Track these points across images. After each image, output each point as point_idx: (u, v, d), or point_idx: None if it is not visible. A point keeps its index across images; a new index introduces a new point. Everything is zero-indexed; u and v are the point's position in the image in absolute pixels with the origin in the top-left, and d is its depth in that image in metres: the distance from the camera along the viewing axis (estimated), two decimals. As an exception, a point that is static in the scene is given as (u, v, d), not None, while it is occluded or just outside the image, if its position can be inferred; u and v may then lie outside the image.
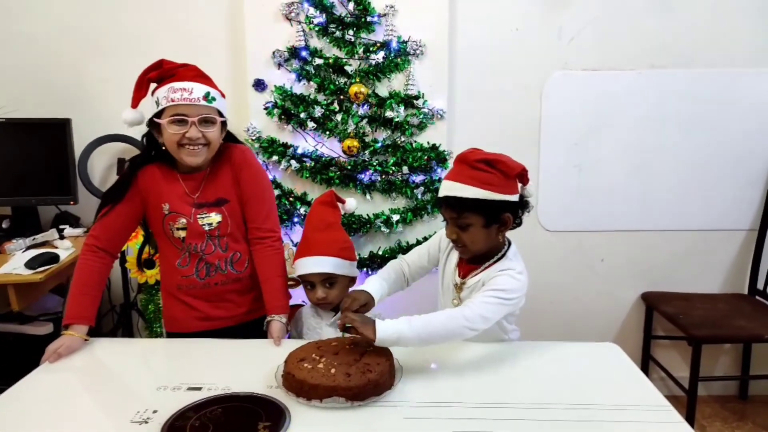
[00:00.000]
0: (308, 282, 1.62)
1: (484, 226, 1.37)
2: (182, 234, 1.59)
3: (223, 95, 1.58)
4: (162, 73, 1.52)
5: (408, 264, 1.63)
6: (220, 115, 1.56)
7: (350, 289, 1.49)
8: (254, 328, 1.63)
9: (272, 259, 1.64)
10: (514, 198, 1.37)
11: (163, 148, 1.56)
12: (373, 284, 1.49)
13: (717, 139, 2.52)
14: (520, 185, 1.39)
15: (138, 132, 2.40)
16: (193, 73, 1.53)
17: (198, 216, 1.59)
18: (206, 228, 1.60)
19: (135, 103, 1.56)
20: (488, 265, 1.44)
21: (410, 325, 1.26)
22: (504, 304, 1.35)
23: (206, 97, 1.51)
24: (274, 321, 1.57)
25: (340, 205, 1.73)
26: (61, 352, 1.42)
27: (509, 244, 1.49)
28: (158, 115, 1.51)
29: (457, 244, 1.44)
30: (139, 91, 1.54)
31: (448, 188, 1.37)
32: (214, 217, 1.60)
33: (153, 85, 1.54)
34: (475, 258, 1.46)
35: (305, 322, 1.67)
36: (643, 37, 2.44)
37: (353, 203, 1.75)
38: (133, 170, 1.59)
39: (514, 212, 1.40)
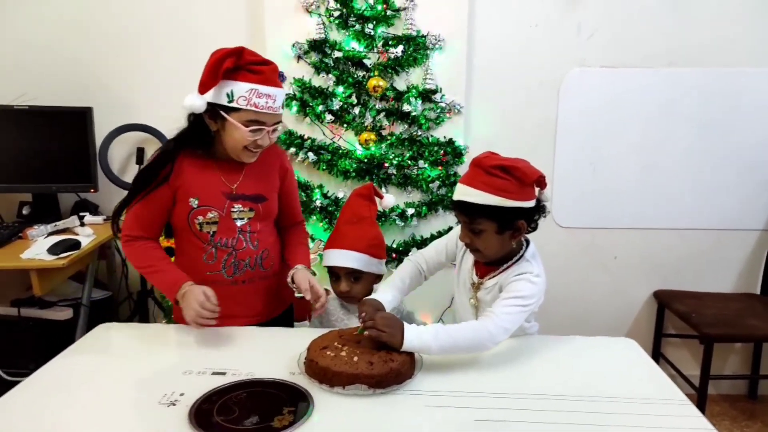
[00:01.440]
0: (334, 274, 1.64)
1: (497, 232, 1.37)
2: (212, 228, 1.53)
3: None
4: (240, 63, 1.38)
5: (426, 260, 1.63)
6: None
7: (366, 297, 1.50)
8: (275, 325, 1.63)
9: (300, 233, 1.72)
10: (530, 204, 1.36)
11: (212, 135, 1.48)
12: (385, 295, 1.51)
13: (732, 139, 2.53)
14: (537, 189, 1.38)
15: (154, 119, 2.47)
16: (275, 76, 1.42)
17: (231, 209, 1.53)
18: (238, 223, 1.55)
19: (204, 90, 1.40)
20: (506, 267, 1.44)
21: (437, 338, 1.28)
22: (524, 310, 1.37)
23: (282, 104, 1.47)
24: (299, 271, 1.55)
25: (377, 200, 1.73)
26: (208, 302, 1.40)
27: (528, 243, 1.48)
28: (226, 107, 1.41)
29: (471, 248, 1.45)
30: (213, 80, 1.37)
31: (462, 192, 1.36)
32: (248, 213, 1.56)
33: (226, 67, 1.38)
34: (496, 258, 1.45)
35: (333, 314, 1.69)
36: (661, 35, 2.44)
37: (391, 200, 1.74)
38: (173, 155, 1.48)
39: (530, 218, 1.39)
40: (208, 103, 1.43)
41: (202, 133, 1.48)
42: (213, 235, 1.53)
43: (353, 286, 1.62)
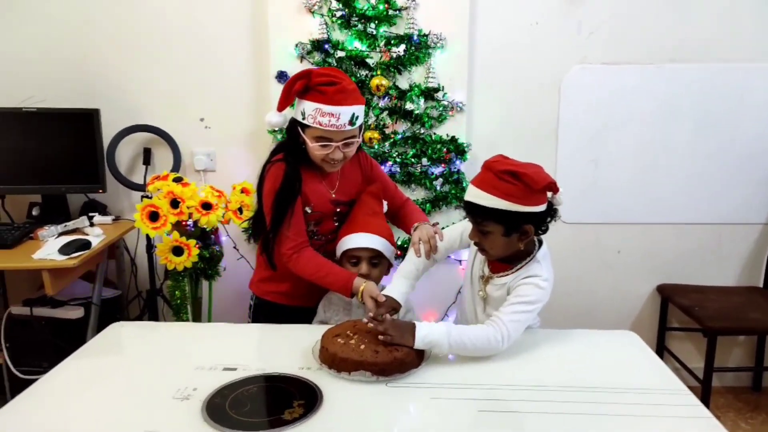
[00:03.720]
0: (354, 257, 1.66)
1: (504, 234, 1.39)
2: (316, 228, 1.71)
3: (362, 102, 1.59)
4: (309, 84, 1.54)
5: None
6: (360, 128, 1.63)
7: (383, 297, 1.53)
8: None
9: (410, 204, 1.90)
10: (539, 209, 1.37)
11: (303, 146, 1.61)
12: (398, 288, 1.55)
13: (734, 133, 2.54)
14: (549, 194, 1.39)
15: (160, 120, 2.51)
16: (340, 95, 1.52)
17: (334, 213, 1.72)
18: (336, 223, 1.75)
19: (281, 108, 1.62)
20: (518, 268, 1.46)
21: (449, 338, 1.32)
22: (530, 316, 1.41)
23: (351, 120, 1.55)
24: (422, 225, 1.64)
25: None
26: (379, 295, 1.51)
27: (540, 244, 1.50)
28: (302, 124, 1.57)
29: (479, 247, 1.48)
30: (287, 99, 1.58)
31: (472, 194, 1.39)
32: (344, 215, 1.75)
33: (297, 88, 1.56)
34: (505, 257, 1.48)
35: (333, 307, 1.72)
36: (662, 31, 2.46)
37: (385, 206, 1.82)
38: (296, 168, 1.62)
39: (539, 222, 1.42)
40: (293, 119, 1.61)
41: (300, 145, 1.62)
42: (316, 233, 1.72)
43: (372, 270, 1.66)
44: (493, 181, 1.35)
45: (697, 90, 2.51)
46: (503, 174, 1.34)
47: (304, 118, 1.55)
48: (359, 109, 1.57)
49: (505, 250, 1.44)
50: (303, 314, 1.72)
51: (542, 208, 1.38)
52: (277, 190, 1.61)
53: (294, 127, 1.62)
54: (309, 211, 1.67)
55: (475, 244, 1.48)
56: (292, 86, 1.55)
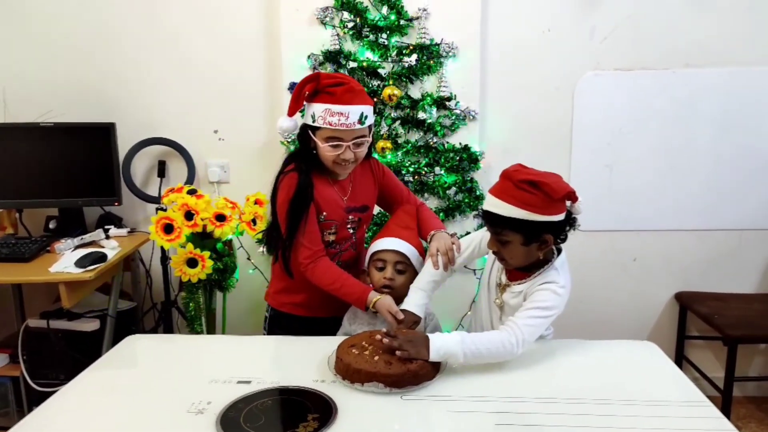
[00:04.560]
0: (380, 260, 1.65)
1: (523, 243, 1.39)
2: (332, 237, 1.70)
3: (371, 102, 1.60)
4: (318, 87, 1.56)
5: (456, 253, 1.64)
6: (370, 128, 1.63)
7: (405, 313, 1.54)
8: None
9: (425, 210, 1.84)
10: (558, 218, 1.37)
11: (315, 151, 1.62)
12: (416, 300, 1.55)
13: (751, 138, 2.50)
14: (568, 203, 1.38)
15: (174, 133, 2.53)
16: (349, 95, 1.54)
17: (346, 220, 1.72)
18: (350, 231, 1.74)
19: (291, 113, 1.63)
20: (536, 275, 1.45)
21: (462, 347, 1.30)
22: (545, 322, 1.40)
23: (360, 119, 1.56)
24: (438, 235, 1.65)
25: None
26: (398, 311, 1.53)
27: (559, 252, 1.49)
28: (312, 127, 1.58)
29: (498, 257, 1.48)
30: (297, 103, 1.59)
31: (490, 204, 1.39)
32: (357, 222, 1.75)
33: (306, 92, 1.58)
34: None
35: (360, 319, 1.70)
36: (676, 36, 2.43)
37: None
38: (308, 175, 1.63)
39: (558, 231, 1.41)
40: (304, 125, 1.62)
41: (310, 151, 1.64)
42: (331, 243, 1.71)
43: (397, 277, 1.64)
44: (511, 191, 1.34)
45: (714, 94, 2.48)
46: (522, 183, 1.33)
47: (314, 121, 1.56)
48: (368, 109, 1.57)
49: (525, 260, 1.43)
50: (319, 325, 1.72)
51: (561, 217, 1.37)
52: (291, 199, 1.61)
53: (305, 132, 1.63)
54: (322, 219, 1.67)
55: (494, 253, 1.48)
56: (301, 90, 1.56)
